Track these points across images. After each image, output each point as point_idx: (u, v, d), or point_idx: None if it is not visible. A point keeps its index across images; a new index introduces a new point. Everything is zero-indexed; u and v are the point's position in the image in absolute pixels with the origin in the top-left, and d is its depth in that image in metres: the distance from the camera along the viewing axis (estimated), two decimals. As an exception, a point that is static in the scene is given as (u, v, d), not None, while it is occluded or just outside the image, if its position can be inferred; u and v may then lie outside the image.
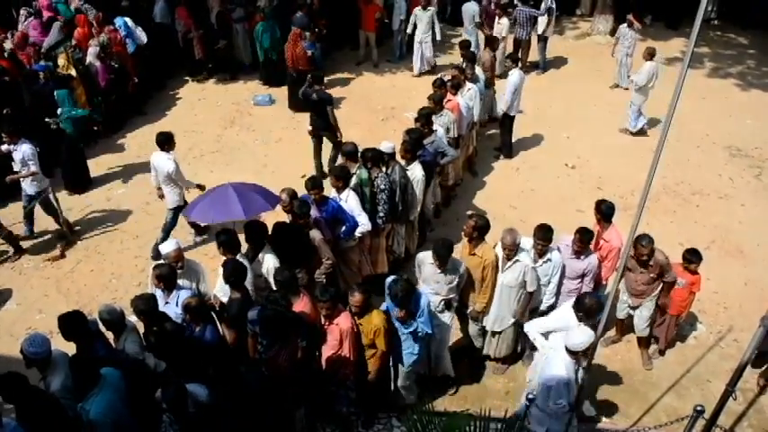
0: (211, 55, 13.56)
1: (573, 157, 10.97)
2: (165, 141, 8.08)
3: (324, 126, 9.75)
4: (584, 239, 6.18)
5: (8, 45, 11.73)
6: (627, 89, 12.73)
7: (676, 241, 8.18)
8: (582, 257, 6.27)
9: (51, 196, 8.76)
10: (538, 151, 11.28)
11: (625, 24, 12.87)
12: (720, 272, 8.18)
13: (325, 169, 9.91)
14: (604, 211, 6.51)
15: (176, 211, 8.33)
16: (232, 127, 12.04)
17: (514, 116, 10.59)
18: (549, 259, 6.18)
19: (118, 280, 8.33)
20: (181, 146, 11.14)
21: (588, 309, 5.29)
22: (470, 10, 13.89)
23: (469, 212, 5.99)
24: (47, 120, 9.55)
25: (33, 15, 13.17)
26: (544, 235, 6.05)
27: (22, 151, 8.24)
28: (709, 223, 9.37)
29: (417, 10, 13.29)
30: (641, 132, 11.53)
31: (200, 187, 8.25)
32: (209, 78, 13.84)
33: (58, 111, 9.62)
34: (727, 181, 10.44)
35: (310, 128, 9.90)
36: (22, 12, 13.45)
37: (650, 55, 10.95)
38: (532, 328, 5.74)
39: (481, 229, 6.09)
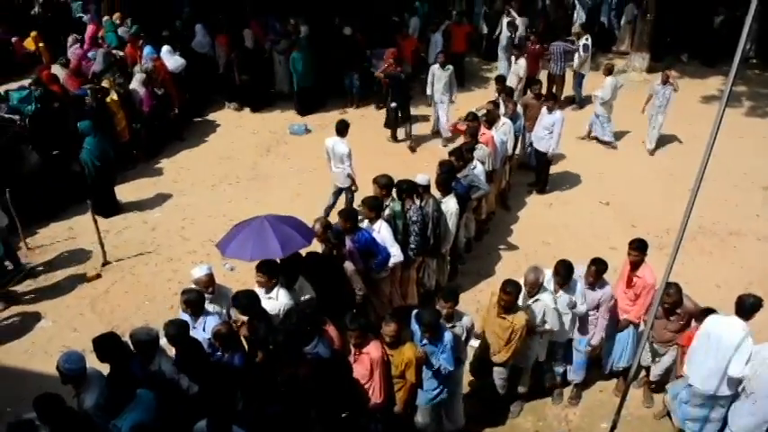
0: (247, 84, 13.86)
1: (607, 194, 10.89)
2: (343, 129, 9.40)
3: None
4: (598, 270, 6.15)
5: (58, 70, 12.17)
6: (653, 153, 12.31)
7: (713, 283, 8.04)
8: (596, 288, 6.26)
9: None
10: (571, 187, 11.23)
11: (659, 81, 11.87)
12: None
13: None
14: (638, 247, 6.45)
15: (340, 191, 9.67)
16: (268, 155, 12.24)
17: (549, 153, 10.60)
18: (570, 288, 6.17)
19: (151, 302, 8.44)
20: (217, 172, 11.47)
21: (752, 305, 5.54)
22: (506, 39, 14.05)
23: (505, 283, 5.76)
24: (73, 165, 9.80)
25: (81, 43, 13.67)
26: (565, 272, 6.03)
27: None
28: (747, 265, 9.17)
29: (435, 68, 12.08)
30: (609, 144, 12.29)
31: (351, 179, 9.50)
32: (246, 106, 14.10)
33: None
34: (765, 222, 10.24)
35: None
36: (70, 39, 13.96)
37: (609, 71, 11.99)
38: (738, 371, 5.56)
39: (516, 299, 5.90)
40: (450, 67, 12.08)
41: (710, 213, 10.16)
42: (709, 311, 6.09)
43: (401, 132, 12.49)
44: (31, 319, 8.20)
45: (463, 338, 5.89)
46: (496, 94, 10.66)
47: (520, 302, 6.04)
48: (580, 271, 6.30)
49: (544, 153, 10.52)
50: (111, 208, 10.26)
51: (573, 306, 6.22)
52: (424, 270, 7.80)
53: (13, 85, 12.21)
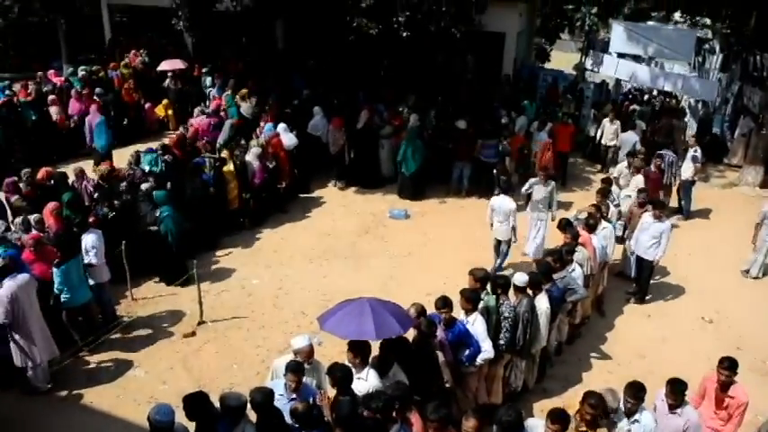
0: (356, 164, 14.39)
1: (711, 311, 10.38)
2: (508, 189, 11.02)
3: None
4: (675, 391, 5.81)
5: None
6: (756, 278, 11.59)
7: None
8: (678, 412, 5.87)
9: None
10: (673, 299, 10.81)
11: None
12: None
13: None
14: (729, 367, 6.16)
15: (500, 244, 10.83)
16: (366, 235, 12.51)
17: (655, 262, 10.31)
18: (637, 420, 5.74)
19: (239, 366, 8.64)
20: (316, 247, 11.81)
21: None
22: (630, 141, 13.95)
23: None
24: (150, 228, 10.18)
25: (205, 114, 14.77)
26: (635, 393, 5.70)
27: (85, 243, 8.82)
28: None
29: (535, 184, 11.18)
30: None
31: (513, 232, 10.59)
32: (352, 186, 14.59)
33: (156, 211, 10.11)
34: None
35: None
36: (196, 109, 15.12)
37: None
38: None
39: (603, 413, 5.59)
40: (553, 182, 11.43)
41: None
42: None
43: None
44: (125, 366, 8.57)
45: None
46: (600, 197, 10.57)
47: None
48: (661, 394, 5.99)
49: (649, 262, 10.23)
50: (178, 275, 10.39)
51: None
52: (512, 369, 7.63)
53: (142, 147, 13.22)
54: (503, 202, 10.54)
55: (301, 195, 14.05)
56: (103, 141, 14.13)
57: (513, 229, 10.60)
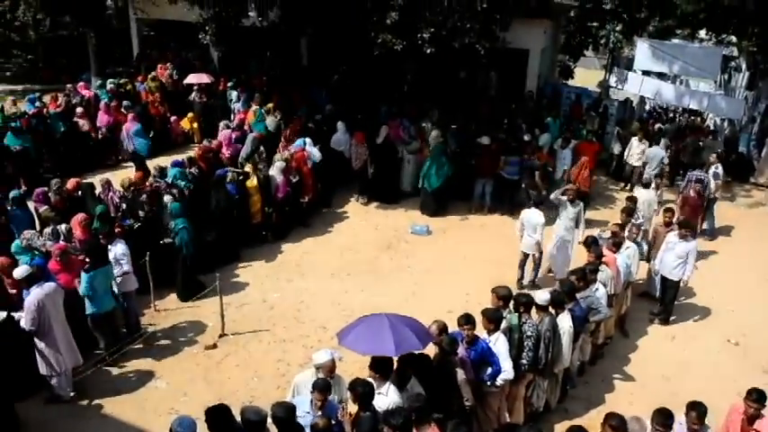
0: (377, 179, 14.45)
1: (737, 333, 10.20)
2: (540, 202, 10.92)
3: None
4: (700, 415, 5.70)
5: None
6: None
7: None
8: None
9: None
10: (698, 321, 10.66)
11: None
12: None
13: None
14: (757, 399, 6.01)
15: (526, 258, 10.97)
16: (387, 251, 12.50)
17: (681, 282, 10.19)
18: None
19: (259, 380, 8.66)
20: (337, 261, 11.84)
21: None
22: (658, 156, 13.94)
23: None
24: (164, 240, 10.23)
25: (230, 128, 14.93)
26: (663, 421, 5.58)
27: (114, 252, 8.96)
28: None
29: (563, 203, 10.94)
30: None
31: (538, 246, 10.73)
32: (374, 201, 14.62)
33: (171, 223, 10.19)
34: None
35: None
36: (221, 123, 15.29)
37: None
38: None
39: None
40: (581, 203, 11.16)
41: None
42: None
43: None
44: (147, 377, 8.65)
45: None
46: (624, 215, 10.48)
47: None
48: (682, 419, 5.86)
49: (674, 282, 10.11)
50: (193, 291, 10.43)
51: None
52: (534, 389, 7.56)
53: (168, 159, 13.36)
54: (532, 215, 10.61)
55: (323, 210, 14.10)
56: (143, 146, 14.73)
57: (538, 243, 10.65)
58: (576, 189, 11.40)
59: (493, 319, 7.00)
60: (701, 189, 12.84)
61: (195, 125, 17.62)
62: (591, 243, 9.08)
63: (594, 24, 23.94)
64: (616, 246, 9.24)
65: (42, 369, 7.78)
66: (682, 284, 10.18)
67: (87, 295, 8.30)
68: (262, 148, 13.63)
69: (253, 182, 11.77)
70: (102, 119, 15.79)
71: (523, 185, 13.73)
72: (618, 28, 23.02)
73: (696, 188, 12.66)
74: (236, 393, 8.26)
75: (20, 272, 7.56)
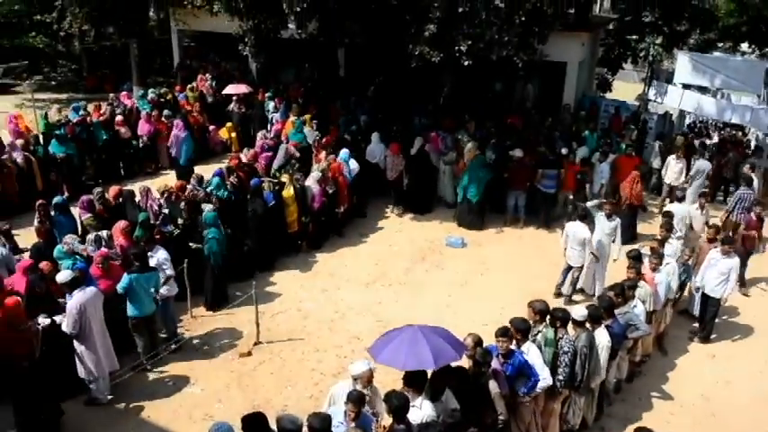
0: (412, 189, 14.44)
1: (781, 354, 9.95)
2: (585, 216, 10.72)
3: None
4: None
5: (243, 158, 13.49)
6: None
7: None
8: None
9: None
10: (739, 340, 10.41)
11: None
12: None
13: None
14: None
15: (569, 269, 10.91)
16: (422, 263, 12.46)
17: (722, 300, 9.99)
18: None
19: (293, 388, 8.70)
20: (372, 272, 11.86)
21: None
22: (706, 169, 14.10)
23: None
24: (192, 245, 10.29)
25: (267, 138, 15.10)
26: None
27: (157, 257, 9.09)
28: None
29: (599, 218, 11.01)
30: None
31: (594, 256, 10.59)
32: (409, 212, 14.61)
33: (204, 232, 10.25)
34: None
35: None
36: (259, 133, 15.48)
37: None
38: None
39: None
40: (618, 219, 11.03)
41: None
42: None
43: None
44: (182, 382, 8.76)
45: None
46: (663, 231, 10.30)
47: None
48: None
49: (716, 300, 9.90)
50: (220, 302, 10.55)
51: None
52: (570, 406, 7.45)
53: (207, 168, 13.59)
54: (578, 229, 10.52)
55: (358, 220, 14.15)
56: (188, 155, 15.16)
57: (592, 254, 10.60)
58: (625, 203, 11.24)
59: (520, 329, 6.93)
60: (761, 212, 12.27)
61: (233, 135, 17.86)
62: (634, 258, 8.93)
63: (634, 37, 23.69)
64: (656, 261, 9.07)
65: (81, 372, 7.94)
66: (722, 302, 9.96)
67: (128, 297, 8.48)
68: (295, 158, 13.75)
69: (289, 192, 11.87)
70: (143, 128, 16.12)
71: (570, 197, 13.61)
72: (658, 41, 22.74)
73: (758, 212, 12.02)
74: (270, 401, 8.31)
75: (62, 276, 7.74)
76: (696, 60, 19.02)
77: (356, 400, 5.75)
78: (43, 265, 8.33)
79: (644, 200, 14.36)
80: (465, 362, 6.70)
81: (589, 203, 11.27)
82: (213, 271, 10.33)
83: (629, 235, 12.98)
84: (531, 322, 7.20)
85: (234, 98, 18.35)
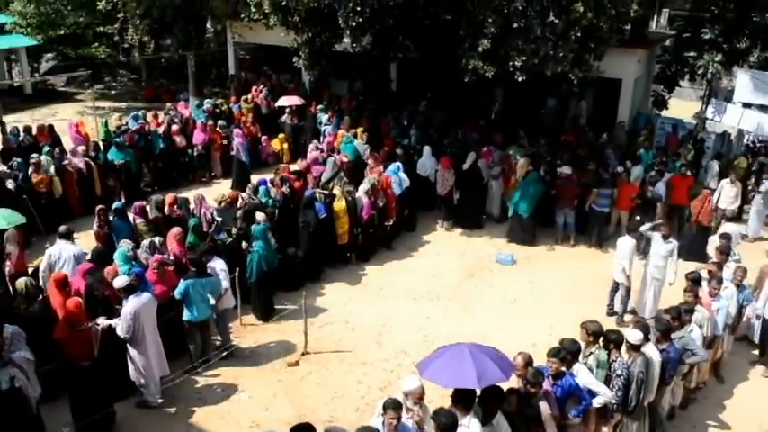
0: (462, 204, 14.39)
1: None
2: (633, 230, 10.74)
3: None
4: None
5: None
6: None
7: None
8: None
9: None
10: (801, 370, 9.97)
11: None
12: None
13: None
14: None
15: (617, 286, 10.83)
16: (471, 278, 12.36)
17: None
18: None
19: (339, 400, 8.73)
20: (420, 286, 11.83)
21: None
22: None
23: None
24: (245, 248, 10.45)
25: (319, 150, 15.27)
26: None
27: (214, 267, 9.19)
28: None
29: (655, 240, 10.65)
30: None
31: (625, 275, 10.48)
32: (458, 227, 14.54)
33: (253, 244, 10.33)
34: None
35: None
36: (311, 145, 15.68)
37: None
38: None
39: None
40: (674, 242, 10.60)
41: None
42: None
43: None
44: (231, 389, 8.89)
45: None
46: (720, 254, 9.99)
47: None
48: None
49: (771, 321, 9.56)
50: (267, 312, 10.60)
51: None
52: (622, 431, 7.27)
53: (258, 178, 13.77)
54: (624, 242, 10.52)
55: (407, 233, 14.14)
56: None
57: (624, 269, 10.46)
58: (695, 222, 10.96)
59: (571, 350, 6.80)
60: None
61: (285, 146, 18.15)
62: (693, 280, 8.70)
63: (691, 54, 23.15)
64: (716, 287, 8.80)
65: (133, 375, 8.14)
66: None
67: (185, 301, 8.69)
68: (343, 171, 13.83)
69: (341, 204, 11.95)
70: (199, 137, 16.47)
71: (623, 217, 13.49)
72: (717, 58, 22.16)
73: None
74: (317, 412, 8.35)
75: (120, 281, 7.94)
76: (757, 78, 18.45)
77: (395, 406, 5.67)
78: (109, 269, 8.56)
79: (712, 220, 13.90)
80: (514, 381, 6.62)
81: (643, 227, 10.96)
82: (260, 283, 10.44)
83: (700, 254, 12.68)
84: (582, 343, 7.09)
85: (287, 110, 18.63)
